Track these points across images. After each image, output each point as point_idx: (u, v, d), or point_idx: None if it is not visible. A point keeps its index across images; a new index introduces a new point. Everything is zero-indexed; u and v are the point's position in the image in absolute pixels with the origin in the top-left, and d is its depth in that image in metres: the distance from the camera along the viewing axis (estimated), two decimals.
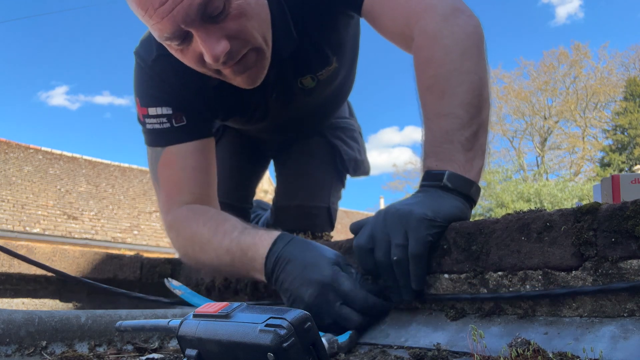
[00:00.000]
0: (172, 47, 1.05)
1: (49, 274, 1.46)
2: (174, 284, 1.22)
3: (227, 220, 1.11)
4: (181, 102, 1.21)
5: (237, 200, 1.73)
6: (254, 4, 1.03)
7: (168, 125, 1.20)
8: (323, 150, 1.75)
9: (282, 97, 1.34)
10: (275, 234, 1.00)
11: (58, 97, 53.36)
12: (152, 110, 1.21)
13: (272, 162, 1.89)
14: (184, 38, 1.00)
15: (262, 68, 1.12)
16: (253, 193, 1.87)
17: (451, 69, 0.97)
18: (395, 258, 0.84)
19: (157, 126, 1.21)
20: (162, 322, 0.69)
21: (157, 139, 1.23)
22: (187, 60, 1.06)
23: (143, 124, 1.24)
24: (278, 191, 1.82)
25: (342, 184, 1.85)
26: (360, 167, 1.81)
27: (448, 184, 0.88)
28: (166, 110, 1.20)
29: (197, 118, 1.23)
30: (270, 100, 1.34)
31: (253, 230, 1.05)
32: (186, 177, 1.20)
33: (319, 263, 0.90)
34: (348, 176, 1.85)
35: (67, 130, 60.98)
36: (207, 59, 1.00)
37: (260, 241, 1.00)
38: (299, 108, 1.44)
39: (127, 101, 53.33)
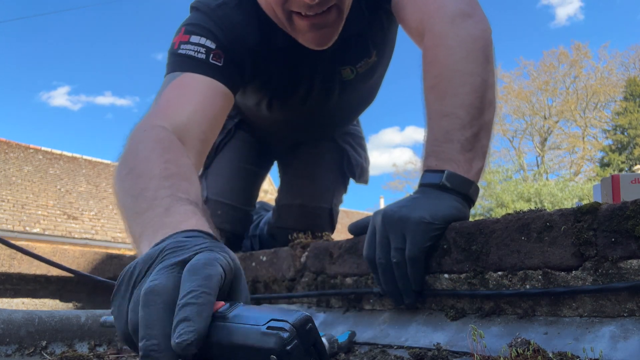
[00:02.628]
0: None
1: (49, 274, 1.46)
2: None
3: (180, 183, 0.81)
4: (229, 44, 1.15)
5: (241, 203, 1.73)
6: None
7: (203, 57, 1.11)
8: (331, 153, 1.76)
9: (323, 85, 1.35)
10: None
11: (59, 97, 53.29)
12: (194, 38, 1.13)
13: (274, 163, 1.90)
14: None
15: (335, 31, 1.13)
16: (256, 195, 1.87)
17: (454, 69, 0.97)
18: (394, 260, 0.85)
19: (190, 52, 1.11)
20: None
21: (184, 63, 1.11)
22: None
23: (175, 49, 1.13)
24: (282, 190, 1.82)
25: (345, 189, 1.85)
26: (364, 174, 1.82)
27: (447, 184, 0.89)
28: (209, 44, 1.13)
29: (235, 66, 1.17)
30: (314, 84, 1.34)
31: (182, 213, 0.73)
32: (189, 109, 1.04)
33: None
34: (350, 180, 1.86)
35: (68, 130, 61.05)
36: None
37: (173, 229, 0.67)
38: (331, 105, 1.44)
39: (128, 102, 53.48)
